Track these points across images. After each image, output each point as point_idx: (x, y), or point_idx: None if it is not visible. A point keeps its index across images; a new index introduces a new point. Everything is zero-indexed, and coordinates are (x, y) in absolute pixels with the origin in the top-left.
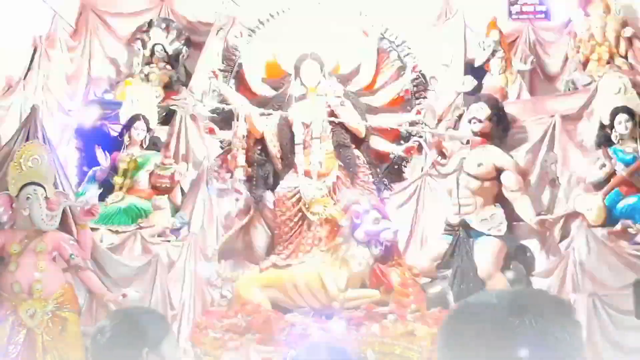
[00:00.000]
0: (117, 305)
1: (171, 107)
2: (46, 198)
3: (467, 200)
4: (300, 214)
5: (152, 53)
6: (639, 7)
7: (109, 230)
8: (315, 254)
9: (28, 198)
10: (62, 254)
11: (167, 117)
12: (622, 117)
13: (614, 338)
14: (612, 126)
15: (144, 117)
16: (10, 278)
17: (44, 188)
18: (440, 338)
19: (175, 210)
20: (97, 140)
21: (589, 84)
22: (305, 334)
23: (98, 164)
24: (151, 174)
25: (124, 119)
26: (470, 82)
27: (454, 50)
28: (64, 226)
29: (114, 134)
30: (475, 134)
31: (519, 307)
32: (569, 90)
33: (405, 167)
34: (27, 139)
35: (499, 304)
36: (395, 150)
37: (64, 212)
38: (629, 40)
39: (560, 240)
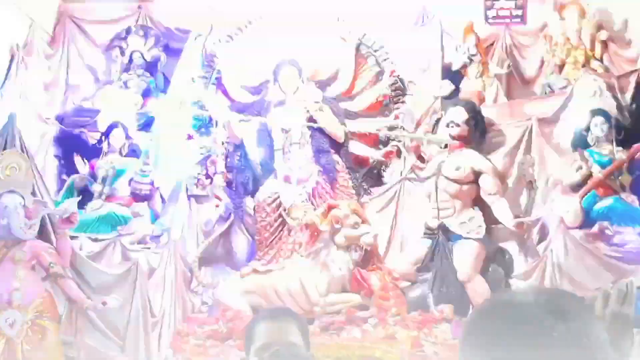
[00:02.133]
0: (97, 314)
1: (150, 114)
2: (24, 206)
3: (445, 204)
4: (280, 219)
5: (131, 60)
6: (613, 10)
7: (89, 238)
8: (295, 259)
9: (6, 207)
10: (41, 262)
11: (147, 124)
12: (598, 119)
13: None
14: (588, 129)
15: (122, 125)
16: None
17: (22, 197)
18: (466, 334)
19: (155, 217)
20: (76, 148)
21: (565, 87)
22: None
23: (77, 172)
24: (130, 181)
25: (102, 127)
26: (448, 87)
27: (431, 55)
28: (42, 235)
29: (92, 141)
30: (453, 137)
31: (555, 307)
32: (546, 93)
33: (384, 171)
34: (5, 148)
35: (535, 302)
36: (374, 154)
37: (42, 220)
38: (604, 44)
39: (538, 243)
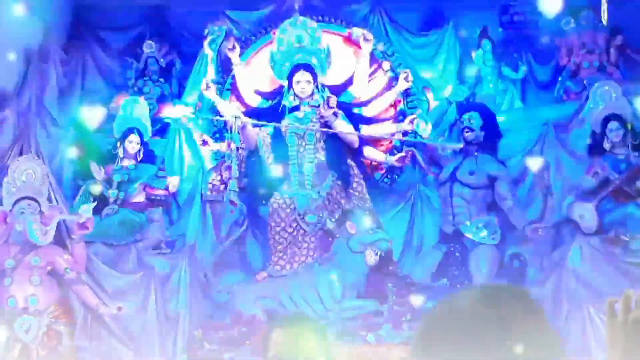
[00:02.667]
0: (112, 319)
1: (165, 120)
2: (40, 212)
3: (461, 209)
4: (295, 224)
5: (145, 66)
6: (629, 15)
7: (104, 243)
8: (310, 264)
9: (22, 213)
10: (57, 268)
11: (162, 130)
12: (613, 124)
13: None
14: (603, 134)
15: (137, 130)
16: (5, 293)
17: (38, 202)
18: (415, 340)
19: (170, 222)
20: (91, 154)
21: (581, 92)
22: None
23: (92, 178)
24: (145, 186)
25: (117, 132)
26: (463, 92)
27: (446, 60)
28: (58, 240)
29: (108, 147)
30: (467, 143)
31: (493, 301)
32: (561, 98)
33: (398, 176)
34: (21, 154)
35: (475, 300)
36: (389, 159)
37: (58, 226)
38: (620, 48)
39: (554, 249)
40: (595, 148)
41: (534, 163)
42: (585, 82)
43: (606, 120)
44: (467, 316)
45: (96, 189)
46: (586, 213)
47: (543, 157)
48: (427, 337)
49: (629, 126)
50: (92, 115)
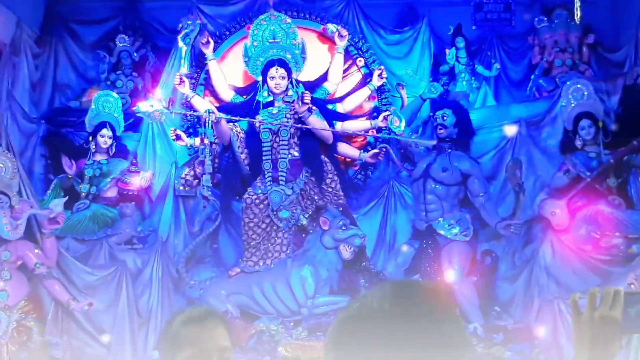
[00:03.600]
0: (83, 314)
1: (138, 114)
2: (10, 207)
3: (433, 206)
4: (268, 219)
5: (118, 60)
6: (601, 13)
7: (75, 238)
8: (283, 260)
9: None
10: (27, 262)
11: (134, 124)
12: (585, 122)
13: None
14: (575, 132)
15: (110, 124)
16: None
17: (9, 197)
18: (328, 342)
19: (142, 217)
20: (63, 148)
21: (553, 90)
22: (274, 341)
23: (63, 172)
24: (117, 181)
25: (90, 127)
26: (436, 89)
27: (419, 57)
28: (29, 235)
29: (79, 141)
30: (440, 140)
31: (398, 297)
32: (534, 96)
33: (372, 173)
34: None
35: (382, 297)
36: (362, 156)
37: (28, 220)
38: (592, 47)
39: (525, 245)
40: (567, 146)
41: (510, 130)
42: (557, 80)
43: (578, 118)
44: (377, 314)
45: (67, 183)
46: (557, 210)
47: (514, 155)
48: (340, 335)
49: (601, 124)
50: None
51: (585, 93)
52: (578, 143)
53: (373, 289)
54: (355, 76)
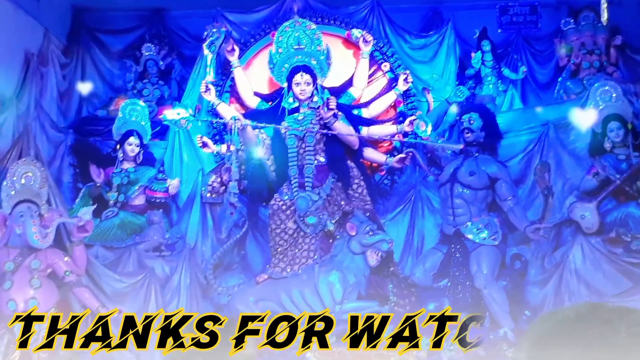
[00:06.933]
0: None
1: (165, 122)
2: (40, 215)
3: (461, 210)
4: (295, 226)
5: (145, 69)
6: (628, 15)
7: (103, 246)
8: (310, 266)
9: (21, 216)
10: (57, 271)
11: (161, 132)
12: (614, 124)
13: None
14: (604, 134)
15: (137, 133)
16: (5, 296)
17: (38, 205)
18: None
19: (170, 225)
20: (91, 157)
21: (581, 92)
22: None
23: (92, 181)
24: (145, 189)
25: (117, 135)
26: (462, 92)
27: (445, 61)
28: (58, 243)
29: (107, 150)
30: (467, 144)
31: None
32: (561, 98)
33: (399, 177)
34: (20, 157)
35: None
36: (389, 161)
37: (58, 229)
38: (620, 48)
39: (555, 249)
40: (596, 148)
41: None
42: (584, 82)
43: (606, 120)
44: (574, 329)
45: (95, 191)
46: (587, 213)
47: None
48: (539, 339)
49: (629, 126)
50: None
51: (614, 95)
52: (607, 145)
53: (573, 307)
54: (381, 81)
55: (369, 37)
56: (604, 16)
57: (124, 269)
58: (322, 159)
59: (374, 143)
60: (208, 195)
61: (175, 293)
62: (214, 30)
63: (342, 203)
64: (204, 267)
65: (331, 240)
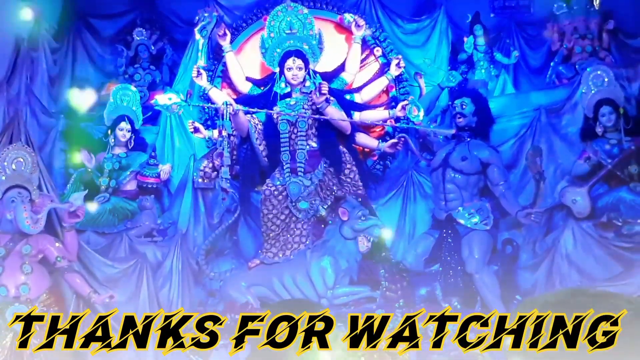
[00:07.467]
0: (105, 307)
1: (156, 107)
2: (31, 201)
3: (453, 195)
4: (287, 211)
5: (136, 53)
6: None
7: (95, 232)
8: (302, 251)
9: (12, 201)
10: (48, 256)
11: (152, 117)
12: (605, 109)
13: None
14: (596, 118)
15: (128, 118)
16: None
17: (29, 191)
18: None
19: (162, 210)
20: (82, 142)
21: (573, 77)
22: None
23: (83, 166)
24: (136, 174)
25: (108, 120)
26: (454, 77)
27: (437, 46)
28: (49, 228)
29: (98, 135)
30: (460, 128)
31: None
32: (553, 83)
33: (391, 163)
34: (11, 142)
35: None
36: (381, 146)
37: (49, 214)
38: (612, 33)
39: (547, 234)
40: (588, 133)
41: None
42: (577, 66)
43: (598, 104)
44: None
45: (87, 177)
46: (579, 198)
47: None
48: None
49: (621, 111)
50: (82, 99)
51: (606, 79)
52: (599, 130)
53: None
54: (373, 66)
55: (361, 22)
56: (597, 0)
57: (116, 255)
58: (314, 144)
59: (366, 128)
60: (200, 180)
61: (167, 279)
62: (206, 14)
63: (334, 188)
64: (196, 252)
65: (323, 226)
